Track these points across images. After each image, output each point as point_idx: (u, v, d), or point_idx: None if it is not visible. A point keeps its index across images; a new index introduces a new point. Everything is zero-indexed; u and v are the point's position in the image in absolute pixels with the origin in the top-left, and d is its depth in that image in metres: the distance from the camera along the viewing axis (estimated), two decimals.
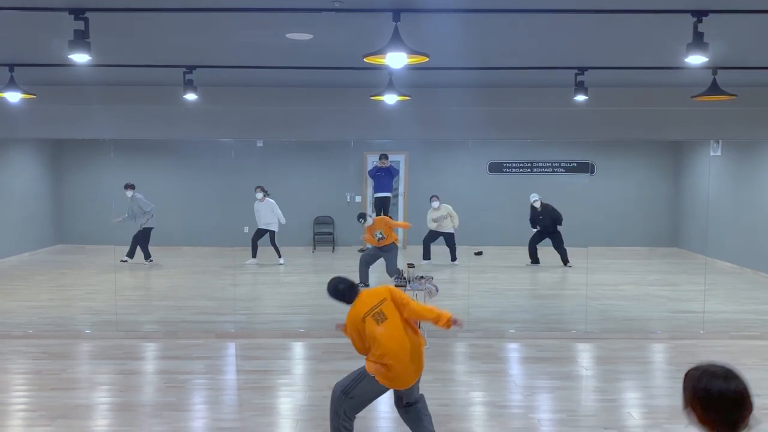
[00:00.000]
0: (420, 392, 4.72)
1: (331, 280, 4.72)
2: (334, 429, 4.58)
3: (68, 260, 12.72)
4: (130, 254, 11.86)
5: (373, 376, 4.45)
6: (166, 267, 12.09)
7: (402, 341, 4.44)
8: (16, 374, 6.80)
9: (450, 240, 12.09)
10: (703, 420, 2.03)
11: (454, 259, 12.07)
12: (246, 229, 12.08)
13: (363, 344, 4.54)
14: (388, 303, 4.51)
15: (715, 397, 2.00)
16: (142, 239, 11.93)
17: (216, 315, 8.84)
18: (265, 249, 12.01)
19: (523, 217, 12.39)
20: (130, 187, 11.84)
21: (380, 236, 9.75)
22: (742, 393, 2.00)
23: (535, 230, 12.23)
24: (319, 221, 13.51)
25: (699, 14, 4.39)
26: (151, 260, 11.98)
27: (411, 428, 4.72)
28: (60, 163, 13.71)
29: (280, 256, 12.04)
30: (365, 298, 4.59)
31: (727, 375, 2.03)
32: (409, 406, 4.67)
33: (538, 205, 12.18)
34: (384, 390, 4.54)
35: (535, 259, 12.17)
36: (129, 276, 11.44)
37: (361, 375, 4.52)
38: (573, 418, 5.62)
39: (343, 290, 4.63)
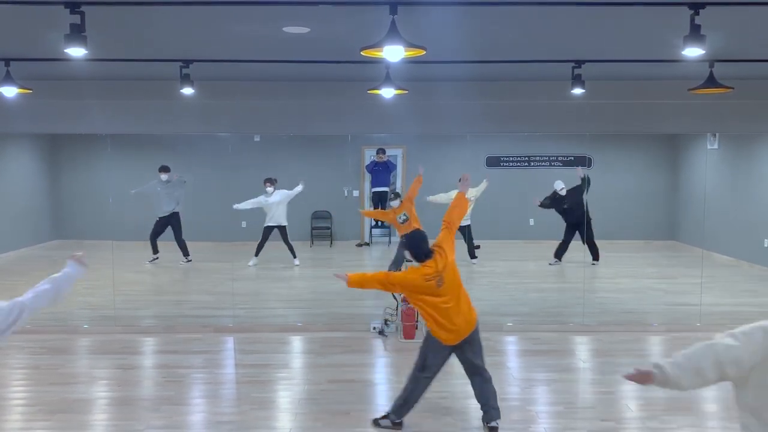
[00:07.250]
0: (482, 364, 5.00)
1: (419, 234, 4.94)
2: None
3: (66, 256, 12.60)
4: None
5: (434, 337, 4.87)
6: (164, 262, 12.07)
7: (457, 301, 4.79)
8: (14, 369, 6.80)
9: (468, 233, 11.33)
10: None
11: (473, 256, 11.40)
12: (244, 224, 12.05)
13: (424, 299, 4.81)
14: (448, 269, 4.75)
15: None
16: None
17: (214, 309, 8.84)
18: (267, 247, 11.89)
19: (520, 211, 12.35)
20: (165, 170, 11.55)
21: (404, 218, 9.45)
22: None
23: (539, 206, 11.62)
24: (317, 216, 13.51)
25: (696, 6, 4.39)
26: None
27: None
28: (57, 159, 13.67)
29: (294, 256, 11.53)
30: (432, 263, 4.78)
31: None
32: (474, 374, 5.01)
33: (564, 192, 11.62)
34: (446, 348, 4.87)
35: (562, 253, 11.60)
36: (127, 271, 11.42)
37: (425, 339, 4.98)
38: (571, 410, 5.64)
39: (427, 251, 4.81)
